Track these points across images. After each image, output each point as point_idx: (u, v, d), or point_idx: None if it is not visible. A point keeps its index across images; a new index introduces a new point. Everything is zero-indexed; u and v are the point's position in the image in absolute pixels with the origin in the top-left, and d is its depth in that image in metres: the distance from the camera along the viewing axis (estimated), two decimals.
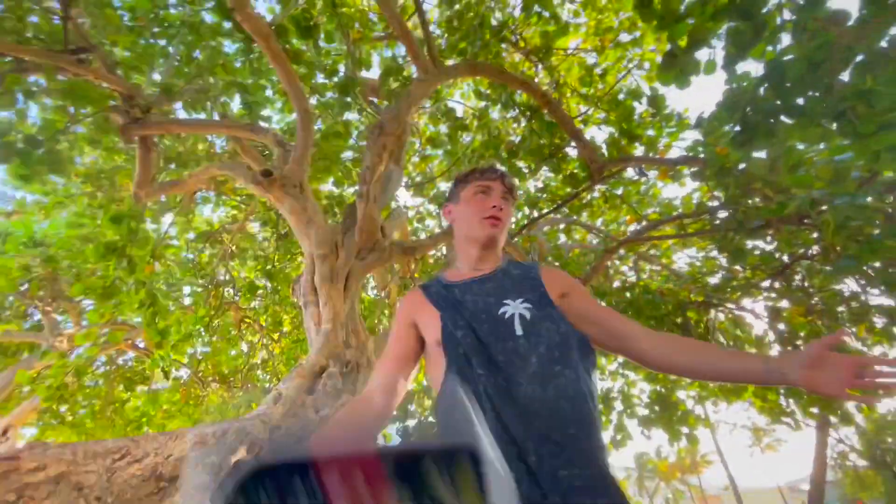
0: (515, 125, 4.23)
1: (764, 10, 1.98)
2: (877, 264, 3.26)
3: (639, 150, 3.74)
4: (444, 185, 4.81)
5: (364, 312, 4.82)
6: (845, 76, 1.85)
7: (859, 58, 1.79)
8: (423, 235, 4.86)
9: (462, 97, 4.94)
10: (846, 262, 2.65)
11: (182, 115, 3.27)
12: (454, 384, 0.87)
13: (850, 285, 3.90)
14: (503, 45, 3.64)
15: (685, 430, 4.79)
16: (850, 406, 4.19)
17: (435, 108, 4.24)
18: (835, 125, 1.97)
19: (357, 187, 2.47)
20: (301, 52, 3.11)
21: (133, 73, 2.90)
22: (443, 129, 4.57)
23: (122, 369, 5.37)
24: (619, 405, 5.12)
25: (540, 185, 4.80)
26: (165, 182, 3.09)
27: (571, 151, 4.05)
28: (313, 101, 4.07)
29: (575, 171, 3.86)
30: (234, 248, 4.68)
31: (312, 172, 3.76)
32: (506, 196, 1.12)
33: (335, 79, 3.36)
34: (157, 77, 3.06)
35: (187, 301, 4.90)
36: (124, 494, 1.33)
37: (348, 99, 3.24)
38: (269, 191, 2.53)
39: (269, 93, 4.23)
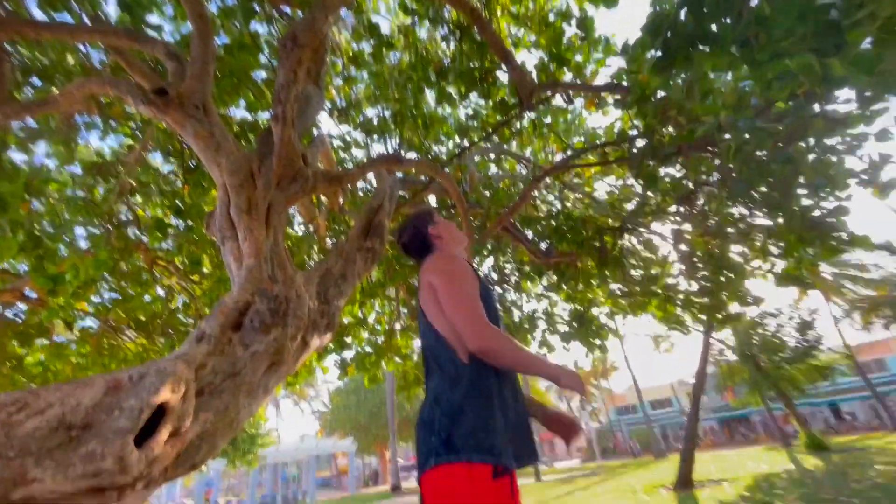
0: (444, 45, 3.99)
1: None
2: (763, 189, 3.69)
3: (567, 77, 3.74)
4: (371, 111, 4.53)
5: (292, 249, 4.62)
6: (755, 3, 1.92)
7: None
8: (350, 166, 4.62)
9: (388, 11, 4.52)
10: (739, 185, 2.96)
11: (39, 16, 2.67)
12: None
13: (739, 209, 4.40)
14: None
15: (598, 341, 5.38)
16: (730, 310, 4.91)
17: (357, 21, 3.84)
18: (739, 53, 2.07)
19: (272, 110, 2.23)
20: None
21: None
22: (367, 48, 4.19)
23: (12, 324, 4.78)
24: (542, 324, 5.58)
25: (470, 112, 4.70)
26: (30, 101, 2.56)
27: (502, 77, 3.95)
28: (213, 8, 3.51)
29: (505, 97, 3.80)
30: (132, 182, 4.13)
31: (218, 92, 3.33)
32: None
33: None
34: None
35: (83, 244, 4.35)
36: (29, 447, 1.22)
37: (254, 4, 2.81)
38: (166, 113, 2.20)
39: None
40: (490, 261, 5.95)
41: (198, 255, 4.33)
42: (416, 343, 5.74)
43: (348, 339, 5.02)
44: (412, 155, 4.41)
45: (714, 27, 2.03)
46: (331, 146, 4.36)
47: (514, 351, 1.17)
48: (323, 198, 4.15)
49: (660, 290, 5.07)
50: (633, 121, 4.00)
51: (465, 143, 4.48)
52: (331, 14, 2.26)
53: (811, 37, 1.61)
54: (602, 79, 3.90)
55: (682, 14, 2.07)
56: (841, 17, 1.55)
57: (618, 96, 3.30)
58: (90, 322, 5.23)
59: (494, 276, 5.88)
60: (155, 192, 4.42)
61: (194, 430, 1.58)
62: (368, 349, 5.13)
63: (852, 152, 3.41)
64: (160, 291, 5.29)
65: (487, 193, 4.55)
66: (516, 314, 5.75)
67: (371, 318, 5.52)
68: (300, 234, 4.97)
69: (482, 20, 2.78)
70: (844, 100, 2.98)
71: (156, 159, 4.89)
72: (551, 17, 3.61)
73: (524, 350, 1.19)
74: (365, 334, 5.33)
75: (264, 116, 3.95)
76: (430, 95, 4.67)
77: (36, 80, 2.99)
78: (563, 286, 5.58)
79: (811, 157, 3.39)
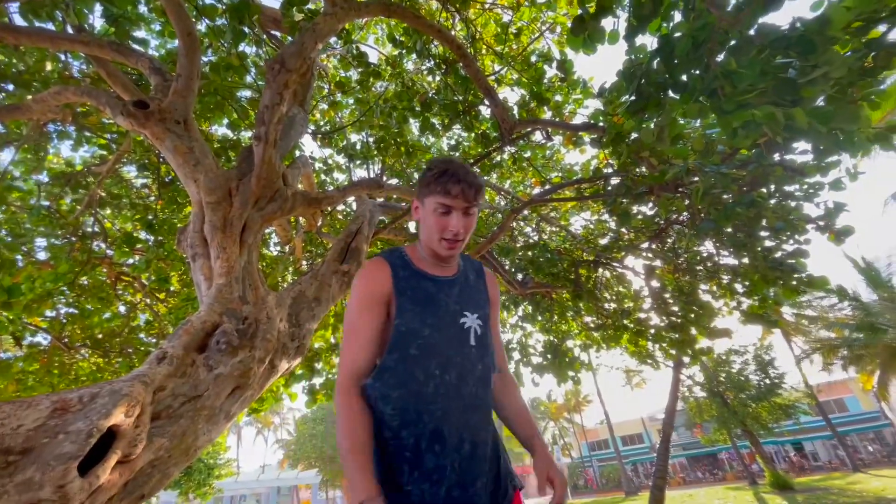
0: (430, 78, 4.12)
1: None
2: (729, 229, 3.86)
3: (547, 115, 3.89)
4: (355, 136, 4.57)
5: (266, 270, 4.52)
6: (721, 58, 2.07)
7: (732, 42, 2.00)
8: (331, 189, 4.61)
9: (376, 42, 4.65)
10: (707, 224, 3.09)
11: (19, 23, 2.62)
12: (412, 371, 1.02)
13: (707, 247, 4.58)
14: None
15: (572, 374, 5.38)
16: (699, 346, 5.02)
17: (345, 50, 3.93)
18: (708, 102, 2.20)
19: (255, 129, 2.22)
20: None
21: None
22: (353, 74, 4.28)
23: None
24: (516, 355, 5.56)
25: (453, 143, 4.81)
26: (1, 106, 2.48)
27: (484, 111, 4.08)
28: (201, 27, 3.53)
29: (487, 130, 3.91)
30: (102, 194, 4.01)
31: (202, 110, 3.31)
32: (468, 211, 1.13)
33: (226, 1, 2.92)
34: None
35: (43, 255, 4.15)
36: None
37: (244, 27, 2.84)
38: (145, 126, 2.17)
39: (143, 9, 3.58)
40: None
41: (166, 271, 4.18)
42: None
43: (318, 365, 4.87)
44: (394, 181, 4.44)
45: (684, 77, 2.16)
46: (313, 168, 4.36)
47: (341, 426, 0.94)
48: (301, 219, 4.12)
49: (631, 324, 5.16)
50: (609, 160, 4.16)
51: None
52: (320, 41, 2.31)
53: (771, 91, 1.73)
54: (580, 118, 4.08)
55: (655, 63, 2.20)
56: (797, 75, 1.68)
57: (594, 135, 3.44)
58: (41, 338, 4.93)
59: None
60: (126, 205, 4.29)
61: (146, 457, 1.49)
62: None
63: (809, 199, 3.62)
64: (122, 308, 5.06)
65: None
66: None
67: None
68: (275, 254, 4.88)
69: (467, 56, 2.89)
70: (801, 151, 3.20)
71: (129, 172, 4.77)
72: (533, 58, 3.80)
73: (349, 437, 0.92)
74: (337, 360, 5.19)
75: (246, 135, 3.95)
76: (413, 125, 4.77)
77: (9, 86, 2.91)
78: (539, 317, 5.61)
79: (772, 202, 3.59)
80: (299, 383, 4.71)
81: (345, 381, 1.01)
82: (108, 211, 4.54)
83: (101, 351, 4.99)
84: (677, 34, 2.12)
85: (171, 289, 4.72)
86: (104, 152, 4.13)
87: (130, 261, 4.39)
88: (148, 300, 4.91)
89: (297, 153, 3.54)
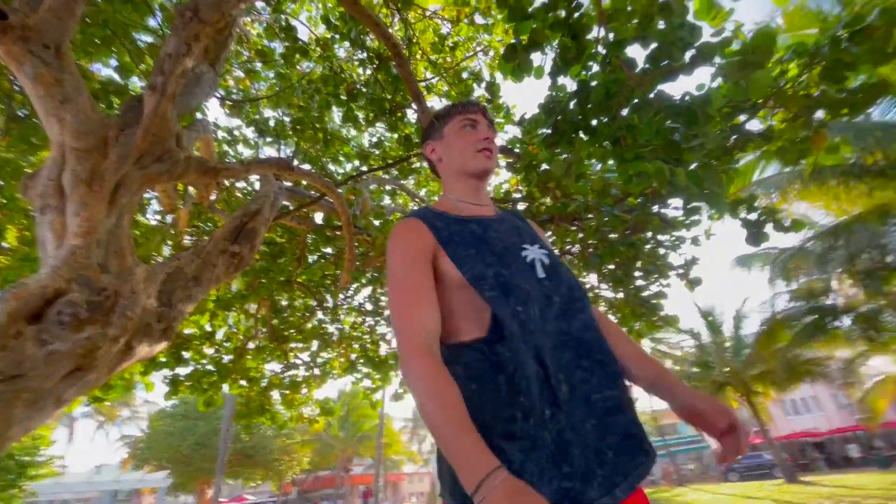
0: (361, 70, 4.01)
1: (588, 37, 2.32)
2: (611, 266, 4.32)
3: None
4: (270, 112, 4.24)
5: (139, 239, 3.95)
6: (625, 112, 2.33)
7: (636, 101, 2.27)
8: (233, 161, 4.18)
9: (309, 21, 4.40)
10: (593, 259, 3.42)
11: None
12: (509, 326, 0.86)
13: (591, 280, 5.07)
14: None
15: None
16: None
17: (273, 19, 3.65)
18: (611, 148, 2.46)
19: (151, 78, 1.95)
20: None
21: None
22: (278, 47, 3.98)
23: None
24: None
25: (375, 140, 4.71)
26: None
27: (410, 115, 4.08)
28: None
29: (411, 134, 3.91)
30: None
31: (83, 42, 2.81)
32: (490, 128, 1.16)
33: None
34: None
35: None
36: None
37: None
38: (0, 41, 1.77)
39: None
40: (368, 290, 5.83)
41: (2, 223, 3.43)
42: (268, 367, 5.25)
43: (187, 354, 4.36)
44: (306, 167, 4.20)
45: (595, 122, 2.39)
46: (214, 136, 3.95)
47: (428, 395, 0.77)
48: (191, 189, 3.68)
49: None
50: (519, 185, 4.42)
51: (364, 168, 4.44)
52: (243, 0, 2.12)
53: (661, 149, 1.98)
54: (498, 142, 4.28)
55: (572, 104, 2.40)
56: (682, 140, 1.95)
57: (509, 160, 3.62)
58: None
59: (370, 306, 5.75)
60: None
61: None
62: (210, 367, 4.50)
63: (674, 250, 4.23)
64: None
65: (377, 223, 4.53)
66: (384, 348, 5.67)
67: (220, 334, 4.89)
68: (153, 224, 4.29)
69: (402, 57, 2.86)
70: (674, 207, 3.74)
71: None
72: (465, 75, 3.91)
73: (442, 407, 0.74)
74: (210, 350, 4.69)
75: (139, 84, 3.44)
76: (336, 114, 4.58)
77: None
78: None
79: (647, 247, 4.12)
80: (160, 372, 4.17)
81: (416, 347, 0.83)
82: None
83: None
84: (594, 82, 2.34)
85: (5, 245, 3.88)
86: None
87: None
88: None
89: (199, 116, 3.18)
